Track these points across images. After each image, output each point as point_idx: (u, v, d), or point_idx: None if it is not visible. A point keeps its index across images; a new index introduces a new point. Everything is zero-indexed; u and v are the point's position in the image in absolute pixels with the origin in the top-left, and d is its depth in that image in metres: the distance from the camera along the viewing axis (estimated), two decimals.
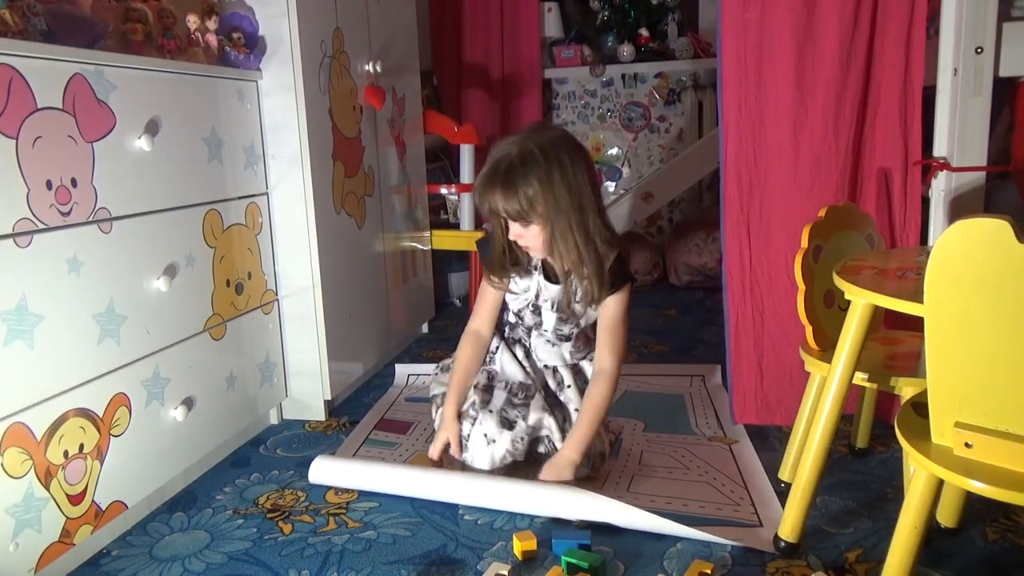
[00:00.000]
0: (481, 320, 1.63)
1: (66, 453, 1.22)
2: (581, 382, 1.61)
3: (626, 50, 3.47)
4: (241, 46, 1.73)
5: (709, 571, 1.18)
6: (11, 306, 1.13)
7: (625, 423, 1.83)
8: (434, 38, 3.48)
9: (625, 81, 3.72)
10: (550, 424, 1.53)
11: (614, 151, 3.80)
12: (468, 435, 1.53)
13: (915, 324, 0.98)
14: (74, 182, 1.24)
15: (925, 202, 1.64)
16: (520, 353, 1.64)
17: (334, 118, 1.97)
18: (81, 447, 1.25)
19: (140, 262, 1.40)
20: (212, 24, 1.66)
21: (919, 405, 1.03)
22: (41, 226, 1.17)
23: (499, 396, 1.57)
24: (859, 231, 1.46)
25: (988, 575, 1.18)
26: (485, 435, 1.51)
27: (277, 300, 1.88)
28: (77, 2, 1.31)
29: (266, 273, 1.83)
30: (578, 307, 1.54)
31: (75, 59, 1.24)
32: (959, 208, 1.56)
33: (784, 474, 1.48)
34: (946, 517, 1.27)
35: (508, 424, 1.51)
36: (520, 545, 1.26)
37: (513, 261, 1.56)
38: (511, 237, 1.49)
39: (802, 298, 1.34)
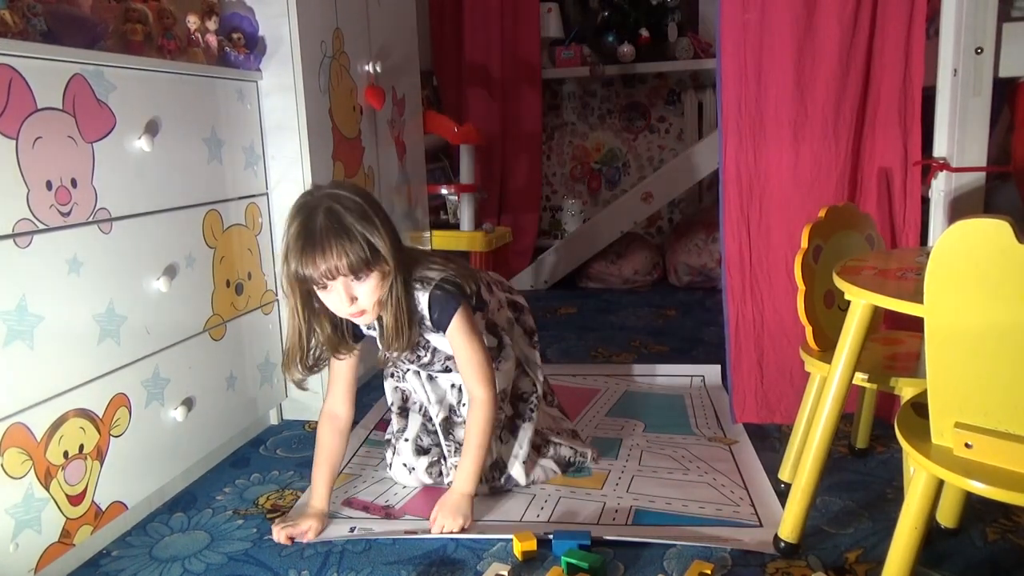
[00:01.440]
0: (335, 398, 1.45)
1: (66, 453, 1.22)
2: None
3: (626, 50, 3.47)
4: (241, 46, 1.73)
5: (709, 571, 1.18)
6: (11, 306, 1.12)
7: (625, 423, 1.83)
8: (434, 38, 3.47)
9: (625, 81, 3.72)
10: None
11: (614, 151, 3.80)
12: (391, 462, 1.58)
13: (915, 324, 0.98)
14: (74, 182, 1.24)
15: (925, 202, 1.64)
16: (424, 375, 1.56)
17: (334, 118, 1.97)
18: (81, 447, 1.25)
19: (140, 262, 1.40)
20: (212, 24, 1.66)
21: (919, 405, 1.03)
22: (41, 226, 1.17)
23: (414, 421, 1.57)
24: (859, 231, 1.46)
25: (988, 575, 1.18)
26: (404, 464, 1.55)
27: (277, 300, 1.88)
28: (77, 2, 1.31)
29: (266, 273, 1.83)
30: (417, 348, 1.44)
31: (75, 59, 1.24)
32: (959, 208, 1.56)
33: (784, 474, 1.48)
34: (946, 517, 1.27)
35: (423, 451, 1.54)
36: (520, 545, 1.26)
37: (355, 334, 1.41)
38: (344, 312, 1.29)
39: (802, 298, 1.34)
